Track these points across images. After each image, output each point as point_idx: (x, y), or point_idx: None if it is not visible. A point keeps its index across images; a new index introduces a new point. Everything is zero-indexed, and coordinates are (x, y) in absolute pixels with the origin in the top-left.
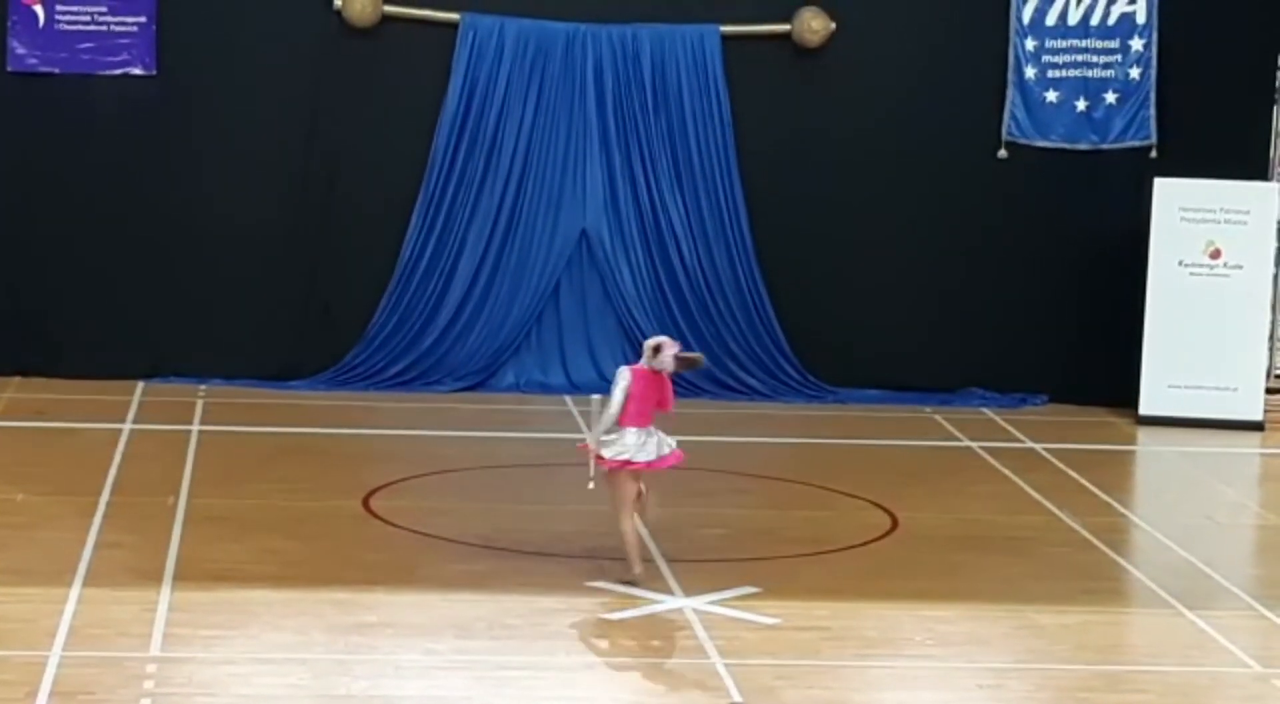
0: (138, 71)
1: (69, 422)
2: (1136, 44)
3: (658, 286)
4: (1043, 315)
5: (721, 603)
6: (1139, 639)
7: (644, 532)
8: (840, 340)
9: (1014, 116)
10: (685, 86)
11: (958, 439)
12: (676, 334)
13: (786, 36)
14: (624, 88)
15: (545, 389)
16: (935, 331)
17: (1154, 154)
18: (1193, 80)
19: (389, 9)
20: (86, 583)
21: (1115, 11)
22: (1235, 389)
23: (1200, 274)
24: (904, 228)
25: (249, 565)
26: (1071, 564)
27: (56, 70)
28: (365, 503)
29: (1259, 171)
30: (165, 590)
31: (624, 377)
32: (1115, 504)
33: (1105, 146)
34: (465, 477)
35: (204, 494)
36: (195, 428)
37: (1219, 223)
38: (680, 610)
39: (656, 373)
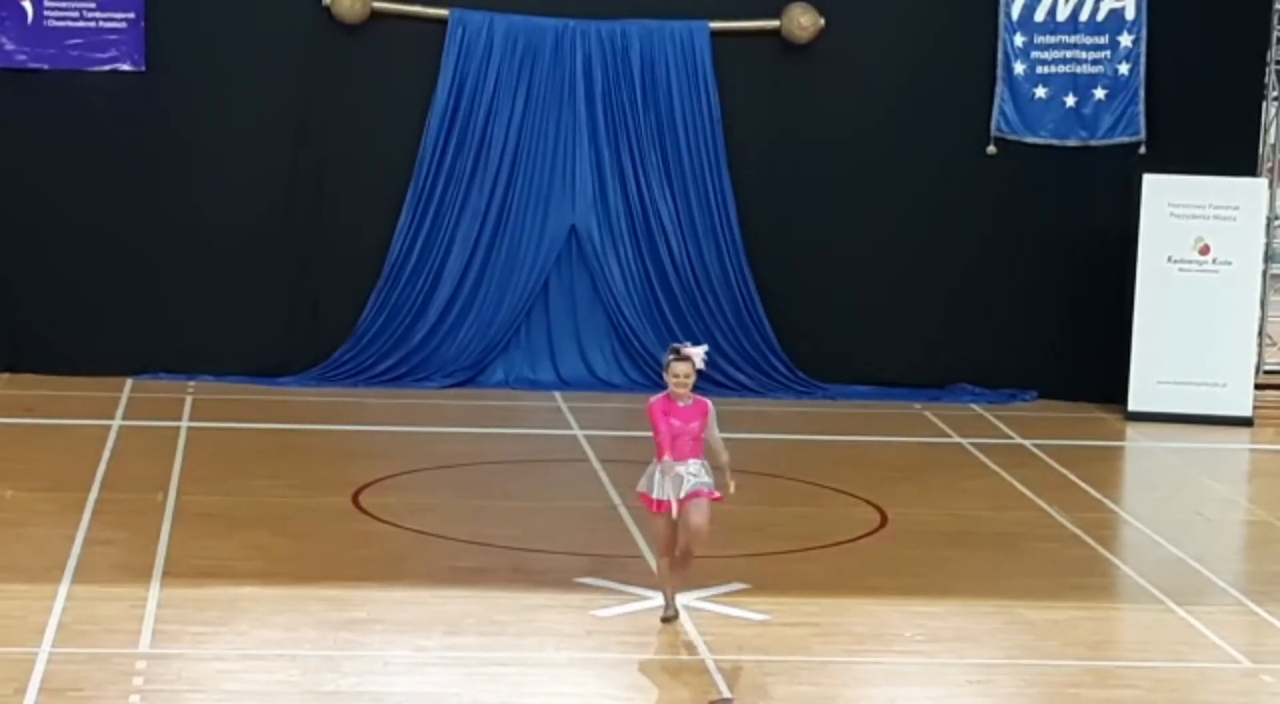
0: (126, 68)
1: (58, 418)
2: (1125, 40)
3: (647, 283)
4: (1032, 311)
5: (711, 599)
6: (1128, 634)
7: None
8: (829, 336)
9: (1003, 112)
10: (674, 83)
11: (947, 435)
12: (665, 330)
13: (776, 32)
14: (613, 84)
15: (534, 385)
16: (924, 327)
17: (1143, 150)
18: (1182, 76)
19: (378, 5)
20: (75, 580)
21: (1104, 7)
22: (1224, 385)
23: (1189, 270)
24: (893, 223)
25: (238, 562)
26: (1061, 560)
27: (45, 66)
28: (354, 499)
29: (1248, 168)
30: (154, 587)
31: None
32: (1104, 500)
33: (1094, 142)
34: (454, 473)
35: (193, 491)
36: (184, 424)
37: (1208, 219)
38: None
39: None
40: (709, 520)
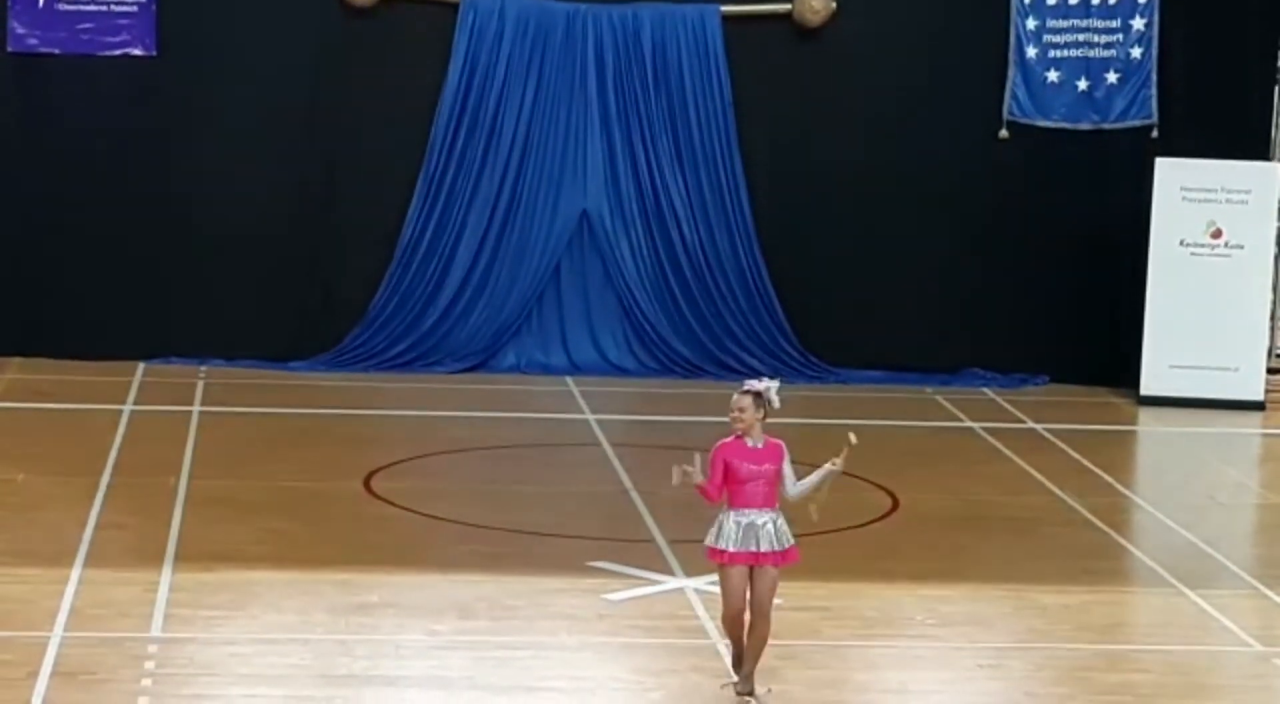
0: (138, 52)
1: (70, 403)
2: (1138, 23)
3: (658, 267)
4: (1044, 295)
5: None
6: (1140, 619)
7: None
8: (841, 321)
9: (1015, 96)
10: (686, 67)
11: (959, 420)
12: (677, 314)
13: (787, 16)
14: (624, 68)
15: (546, 370)
16: (936, 312)
17: (1155, 134)
18: (1194, 60)
19: None
20: (88, 564)
21: None
22: (1236, 369)
23: (1201, 254)
24: (905, 208)
25: (250, 546)
26: (1073, 544)
27: (57, 50)
28: (366, 484)
29: (1260, 151)
30: (166, 571)
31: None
32: (1116, 484)
33: (1106, 126)
34: (466, 457)
35: (205, 475)
36: (196, 409)
37: (1220, 203)
38: (681, 591)
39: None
40: (774, 591)
